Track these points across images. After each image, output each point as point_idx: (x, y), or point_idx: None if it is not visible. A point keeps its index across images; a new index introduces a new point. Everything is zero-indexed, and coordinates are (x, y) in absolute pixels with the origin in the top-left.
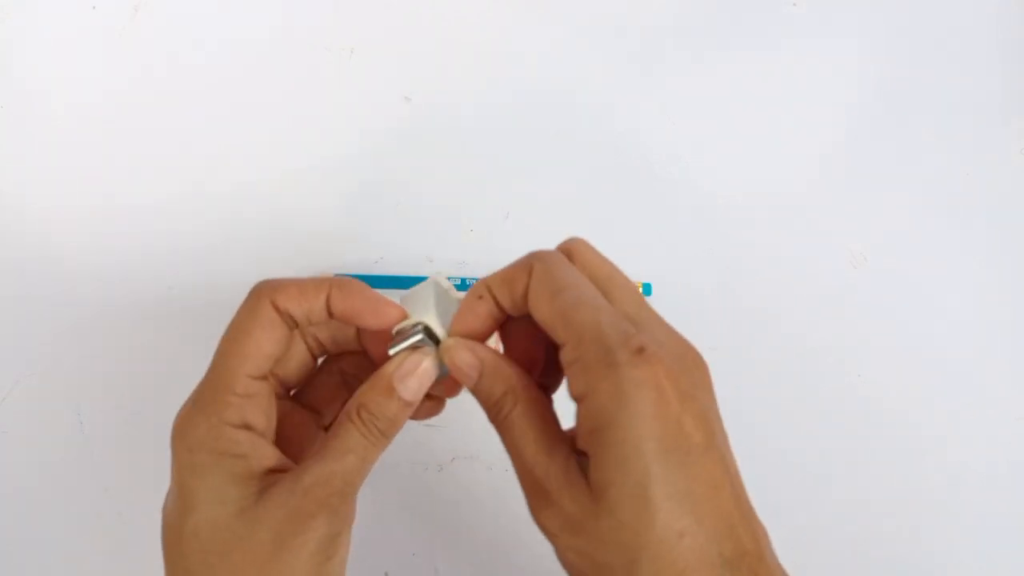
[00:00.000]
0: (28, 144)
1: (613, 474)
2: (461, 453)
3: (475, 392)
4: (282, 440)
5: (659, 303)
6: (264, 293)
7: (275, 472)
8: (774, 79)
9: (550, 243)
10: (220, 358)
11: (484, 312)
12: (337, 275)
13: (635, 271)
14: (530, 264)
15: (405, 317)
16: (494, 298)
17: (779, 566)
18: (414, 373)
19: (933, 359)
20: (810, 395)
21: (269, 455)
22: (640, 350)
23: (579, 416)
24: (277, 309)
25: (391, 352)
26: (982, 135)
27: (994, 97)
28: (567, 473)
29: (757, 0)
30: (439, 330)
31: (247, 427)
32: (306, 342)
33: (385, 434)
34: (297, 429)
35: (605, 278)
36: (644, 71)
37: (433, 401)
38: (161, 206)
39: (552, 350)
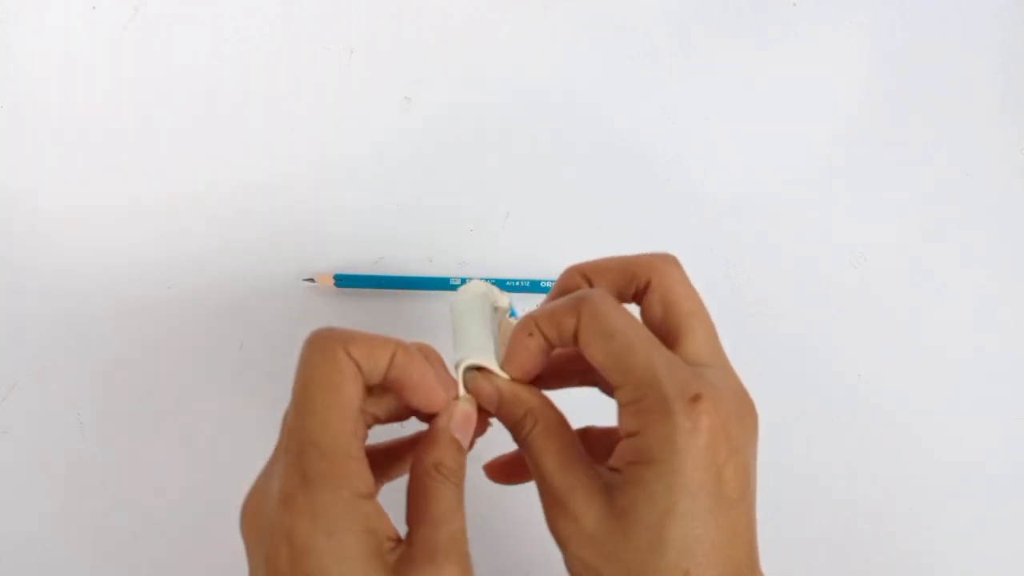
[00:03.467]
0: (28, 144)
1: (640, 504)
2: None
3: (498, 416)
4: None
5: None
6: (337, 342)
7: (394, 541)
8: (774, 79)
9: (549, 243)
10: (314, 419)
11: (536, 348)
12: (413, 342)
13: None
14: (577, 307)
15: (451, 400)
16: (543, 334)
17: None
18: (468, 422)
19: (933, 359)
20: (810, 395)
21: (389, 525)
22: (696, 398)
23: (624, 446)
24: (351, 359)
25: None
26: (982, 135)
27: (994, 97)
28: (589, 490)
29: (757, 0)
30: (496, 367)
31: (372, 496)
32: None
33: (462, 482)
34: None
35: (687, 313)
36: (644, 71)
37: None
38: (161, 206)
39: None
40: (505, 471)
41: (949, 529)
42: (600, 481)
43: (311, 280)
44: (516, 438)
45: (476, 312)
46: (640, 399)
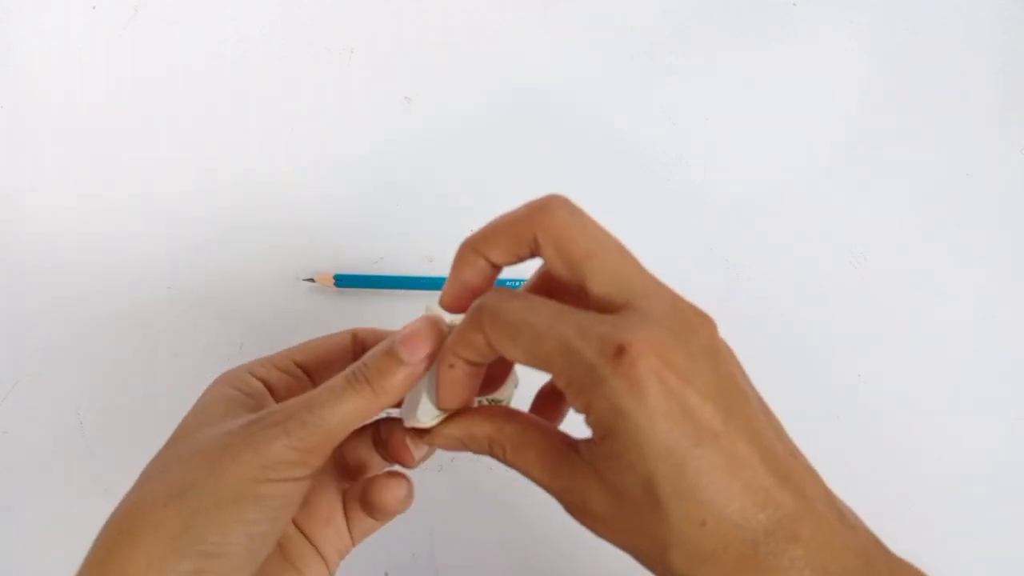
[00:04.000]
0: (28, 144)
1: (624, 478)
2: (461, 453)
3: (476, 452)
4: (305, 503)
5: None
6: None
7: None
8: (774, 79)
9: None
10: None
11: (462, 376)
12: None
13: None
14: (478, 320)
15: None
16: (463, 359)
17: (834, 509)
18: (417, 338)
19: (933, 359)
20: (810, 395)
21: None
22: (620, 351)
23: (588, 425)
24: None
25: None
26: (982, 135)
27: (994, 97)
28: (581, 484)
29: (757, 0)
30: (429, 410)
31: (265, 382)
32: None
33: (370, 381)
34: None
35: (583, 256)
36: (644, 71)
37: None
38: (161, 206)
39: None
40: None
41: (949, 529)
42: (588, 466)
43: (311, 280)
44: (500, 461)
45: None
46: (570, 380)
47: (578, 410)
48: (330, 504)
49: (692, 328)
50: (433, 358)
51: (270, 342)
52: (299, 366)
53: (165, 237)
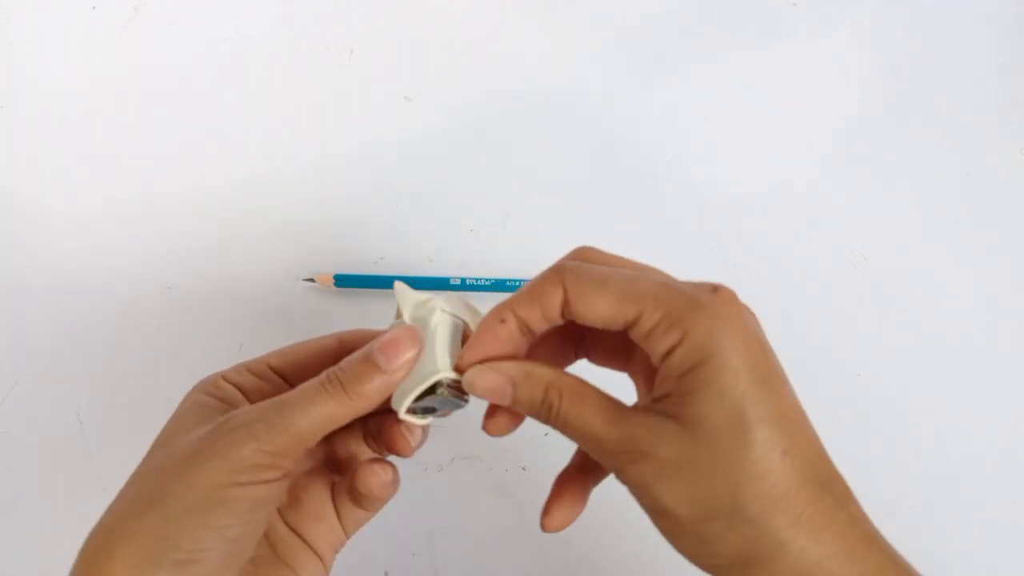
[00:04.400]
0: (28, 144)
1: (712, 405)
2: (461, 453)
3: (516, 406)
4: (294, 501)
5: None
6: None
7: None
8: (774, 79)
9: (550, 243)
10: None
11: (505, 336)
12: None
13: None
14: (558, 276)
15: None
16: (521, 320)
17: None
18: (396, 344)
19: (933, 359)
20: (810, 395)
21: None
22: (716, 288)
23: (667, 366)
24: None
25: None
26: (982, 135)
27: (994, 97)
28: (649, 425)
29: (757, 0)
30: (449, 373)
31: (239, 387)
32: None
33: (344, 385)
34: (308, 491)
35: (630, 268)
36: (644, 71)
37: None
38: (161, 206)
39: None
40: (564, 503)
41: (949, 528)
42: (653, 414)
43: (311, 280)
44: (545, 419)
45: (437, 336)
46: (665, 314)
47: (663, 345)
48: (320, 500)
49: (751, 314)
50: (412, 365)
51: (270, 342)
52: (276, 371)
53: (165, 237)
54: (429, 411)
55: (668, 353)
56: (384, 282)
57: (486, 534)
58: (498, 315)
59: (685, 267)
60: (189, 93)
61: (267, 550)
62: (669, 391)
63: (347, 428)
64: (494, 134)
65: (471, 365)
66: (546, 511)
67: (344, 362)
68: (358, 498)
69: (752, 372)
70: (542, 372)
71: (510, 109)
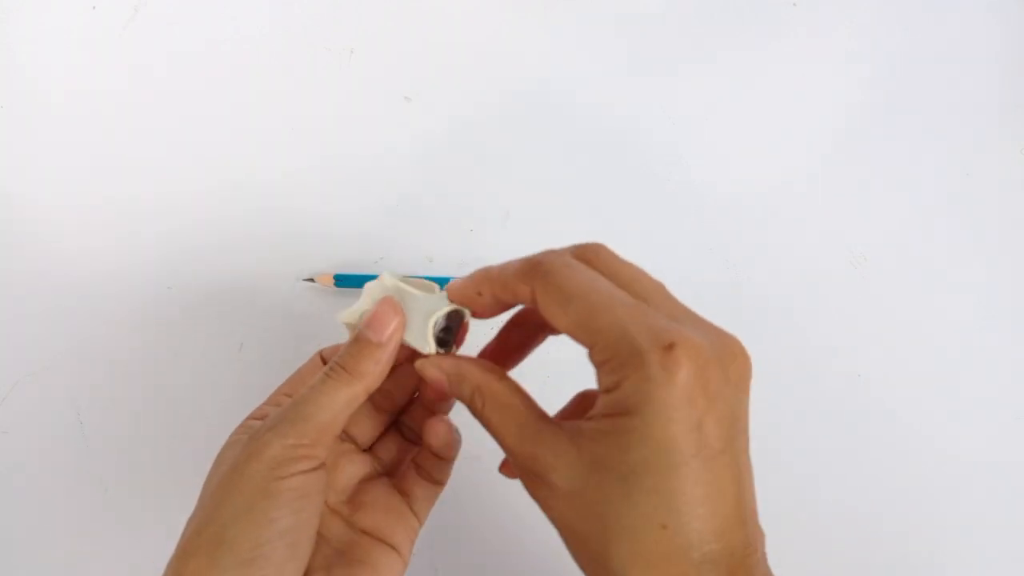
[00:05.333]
0: (28, 144)
1: (613, 453)
2: (461, 453)
3: (453, 396)
4: (359, 506)
5: None
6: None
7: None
8: (774, 79)
9: (550, 243)
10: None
11: (481, 306)
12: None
13: None
14: (530, 275)
15: None
16: (493, 295)
17: (766, 571)
18: (379, 321)
19: (933, 359)
20: (810, 395)
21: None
22: (670, 347)
23: (603, 400)
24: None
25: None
26: (982, 135)
27: (994, 97)
28: (554, 448)
29: (757, 0)
30: (443, 298)
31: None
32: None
33: (346, 368)
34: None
35: (628, 280)
36: (644, 71)
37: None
38: (161, 206)
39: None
40: None
41: (949, 529)
42: (565, 436)
43: (311, 280)
44: (473, 415)
45: (396, 285)
46: (613, 356)
47: (604, 383)
48: (386, 494)
49: (733, 358)
50: (400, 330)
51: (270, 342)
52: (290, 397)
53: (165, 237)
54: (445, 343)
55: (606, 390)
56: None
57: (486, 534)
58: (476, 286)
59: (685, 267)
60: (189, 93)
61: (339, 559)
62: (595, 417)
63: (388, 432)
64: (494, 134)
65: (458, 289)
66: (505, 463)
67: (339, 351)
68: (430, 465)
69: (662, 444)
70: (473, 374)
71: (510, 109)
